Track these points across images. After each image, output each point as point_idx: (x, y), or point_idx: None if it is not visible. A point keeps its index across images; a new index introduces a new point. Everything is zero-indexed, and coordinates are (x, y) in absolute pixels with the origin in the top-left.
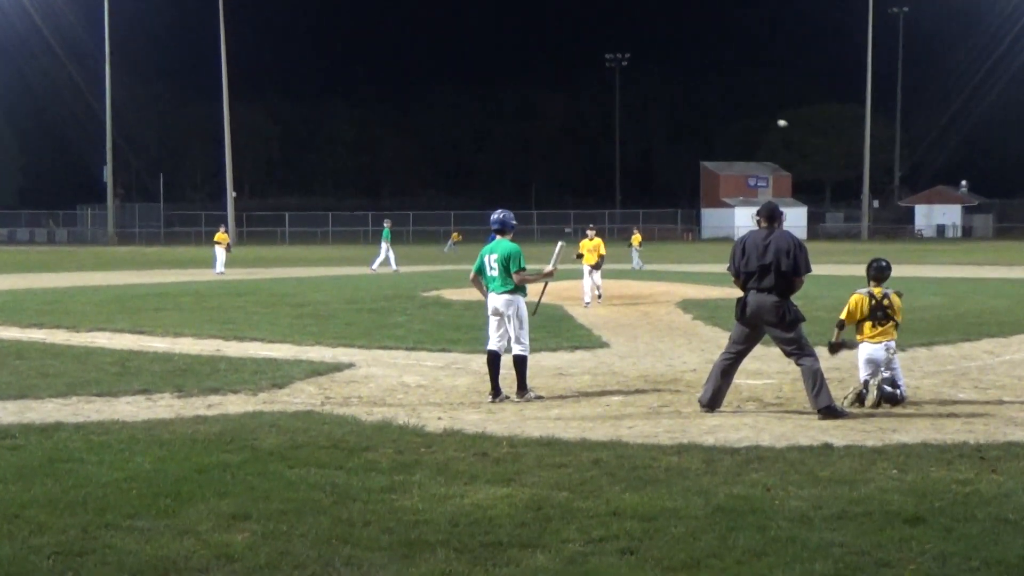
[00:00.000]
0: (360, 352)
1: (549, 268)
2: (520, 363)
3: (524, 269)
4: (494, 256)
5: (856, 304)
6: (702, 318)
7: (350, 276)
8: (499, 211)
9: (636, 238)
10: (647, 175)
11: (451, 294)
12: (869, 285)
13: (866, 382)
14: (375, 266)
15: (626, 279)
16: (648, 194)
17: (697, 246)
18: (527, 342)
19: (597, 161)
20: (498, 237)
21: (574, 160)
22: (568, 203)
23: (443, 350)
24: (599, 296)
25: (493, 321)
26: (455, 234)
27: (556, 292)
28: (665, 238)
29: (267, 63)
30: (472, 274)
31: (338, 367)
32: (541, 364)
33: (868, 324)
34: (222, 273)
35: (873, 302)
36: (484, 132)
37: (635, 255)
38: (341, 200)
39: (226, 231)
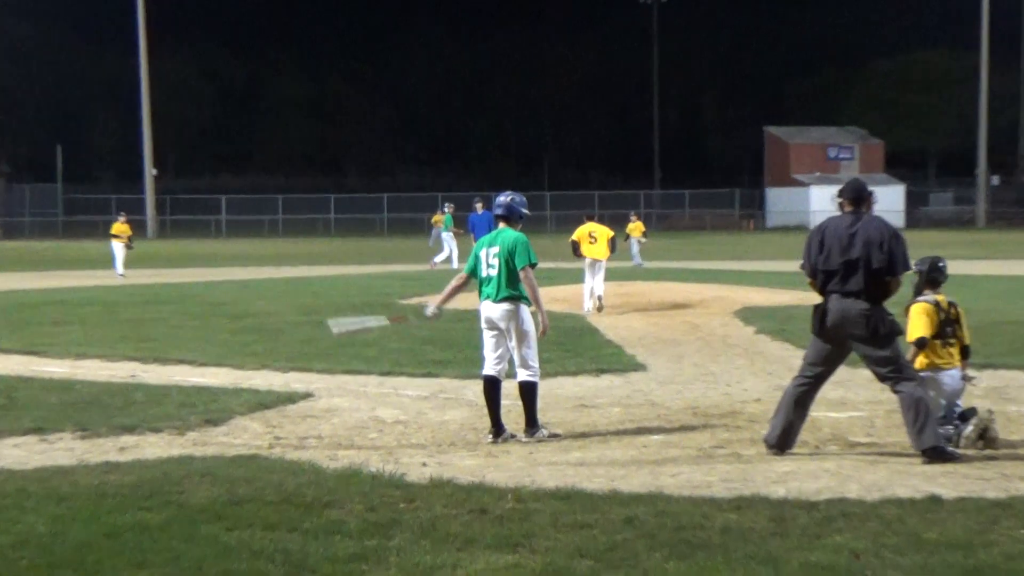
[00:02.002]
0: (320, 378)
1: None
2: (528, 392)
3: (535, 265)
4: (494, 250)
5: (930, 315)
6: (768, 331)
7: (307, 279)
8: (506, 193)
9: (636, 226)
10: (695, 145)
11: (437, 301)
12: (924, 292)
13: (957, 418)
14: (438, 260)
15: (659, 280)
16: (697, 170)
17: (761, 237)
18: (536, 365)
19: (629, 128)
20: (502, 226)
21: (598, 127)
22: (592, 182)
23: (428, 375)
24: (589, 308)
25: (489, 338)
26: (438, 216)
27: (570, 299)
28: (719, 227)
29: (197, 3)
30: (463, 276)
31: (291, 398)
32: (557, 392)
33: (937, 344)
34: (123, 276)
35: (942, 315)
36: (479, 91)
37: (635, 248)
38: (294, 179)
39: (127, 221)
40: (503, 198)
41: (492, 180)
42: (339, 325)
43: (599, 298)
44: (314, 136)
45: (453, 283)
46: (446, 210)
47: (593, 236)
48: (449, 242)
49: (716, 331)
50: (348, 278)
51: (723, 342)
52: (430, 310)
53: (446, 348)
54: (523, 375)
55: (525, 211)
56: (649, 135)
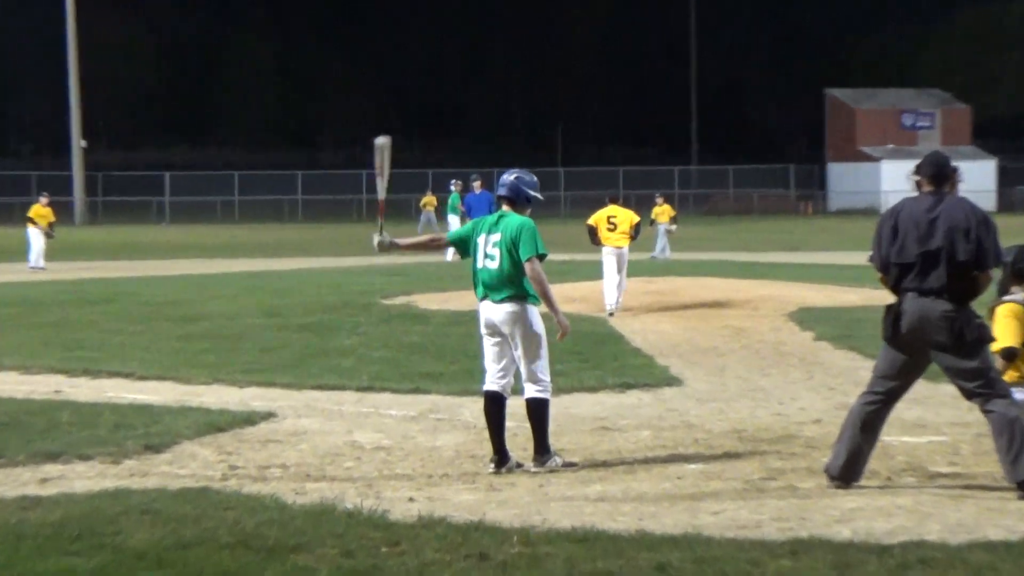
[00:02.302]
0: (284, 395)
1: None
2: (538, 412)
3: (544, 257)
4: (495, 237)
5: (1019, 319)
6: (829, 337)
7: (269, 274)
8: (512, 171)
9: (663, 210)
10: (740, 112)
11: (428, 301)
12: (1011, 289)
13: None
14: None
15: (697, 275)
16: (743, 142)
17: (821, 222)
18: (548, 378)
19: (660, 94)
20: (506, 209)
21: (623, 91)
22: (615, 158)
23: (416, 391)
24: (611, 308)
25: (490, 346)
26: (428, 198)
27: (588, 297)
28: (770, 210)
29: None
30: (442, 237)
31: (250, 419)
32: (573, 412)
33: None
34: (42, 268)
35: None
36: (479, 49)
37: (660, 236)
38: (255, 153)
39: (50, 203)
40: (508, 176)
41: (494, 155)
42: (386, 146)
43: (613, 304)
44: (279, 102)
45: (428, 237)
46: (452, 188)
47: (612, 221)
48: (455, 226)
49: (766, 337)
50: (320, 273)
51: (775, 351)
52: (386, 240)
53: (438, 358)
54: (532, 391)
55: (535, 194)
56: (685, 100)
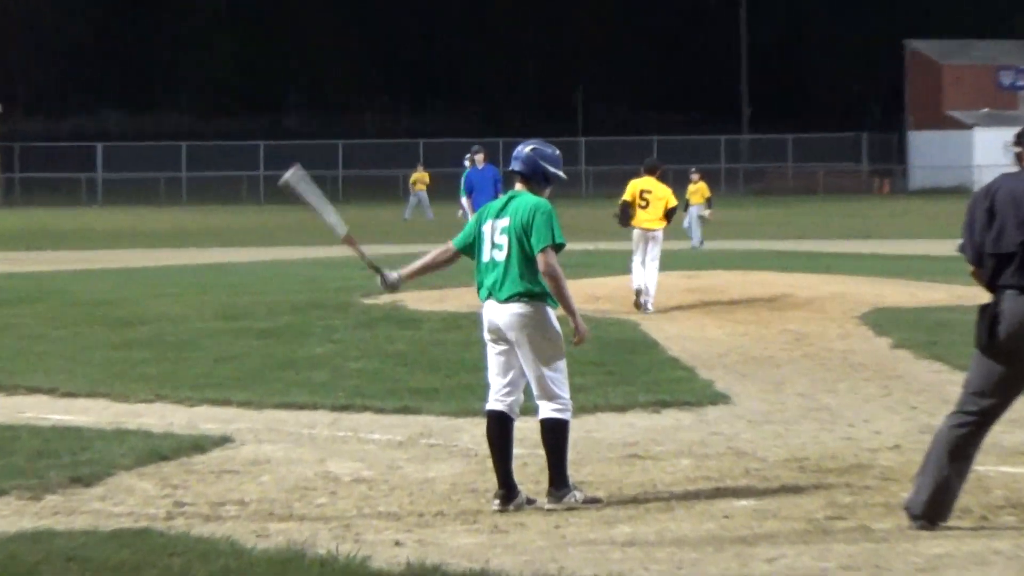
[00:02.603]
0: (243, 415)
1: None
2: (555, 435)
3: (560, 247)
4: (502, 222)
5: None
6: (910, 344)
7: (224, 266)
8: (529, 142)
9: (698, 189)
10: (801, 70)
11: (419, 300)
12: None
13: None
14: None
15: (748, 268)
16: (804, 106)
17: (900, 203)
18: (566, 395)
19: (703, 51)
20: (519, 188)
21: (657, 46)
22: (650, 125)
23: (405, 410)
24: (645, 303)
25: (495, 355)
26: (419, 174)
27: (615, 296)
28: (838, 189)
29: None
30: (448, 247)
31: (200, 444)
32: (597, 436)
33: None
34: None
35: None
36: None
37: (694, 220)
38: (207, 120)
39: None
40: (524, 148)
41: (500, 123)
42: (300, 179)
43: (644, 301)
44: (238, 58)
45: (433, 254)
46: (467, 164)
47: (645, 197)
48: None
49: (833, 345)
50: (285, 265)
51: (844, 361)
52: (391, 277)
53: (431, 370)
54: (547, 410)
55: (556, 171)
56: (734, 54)
